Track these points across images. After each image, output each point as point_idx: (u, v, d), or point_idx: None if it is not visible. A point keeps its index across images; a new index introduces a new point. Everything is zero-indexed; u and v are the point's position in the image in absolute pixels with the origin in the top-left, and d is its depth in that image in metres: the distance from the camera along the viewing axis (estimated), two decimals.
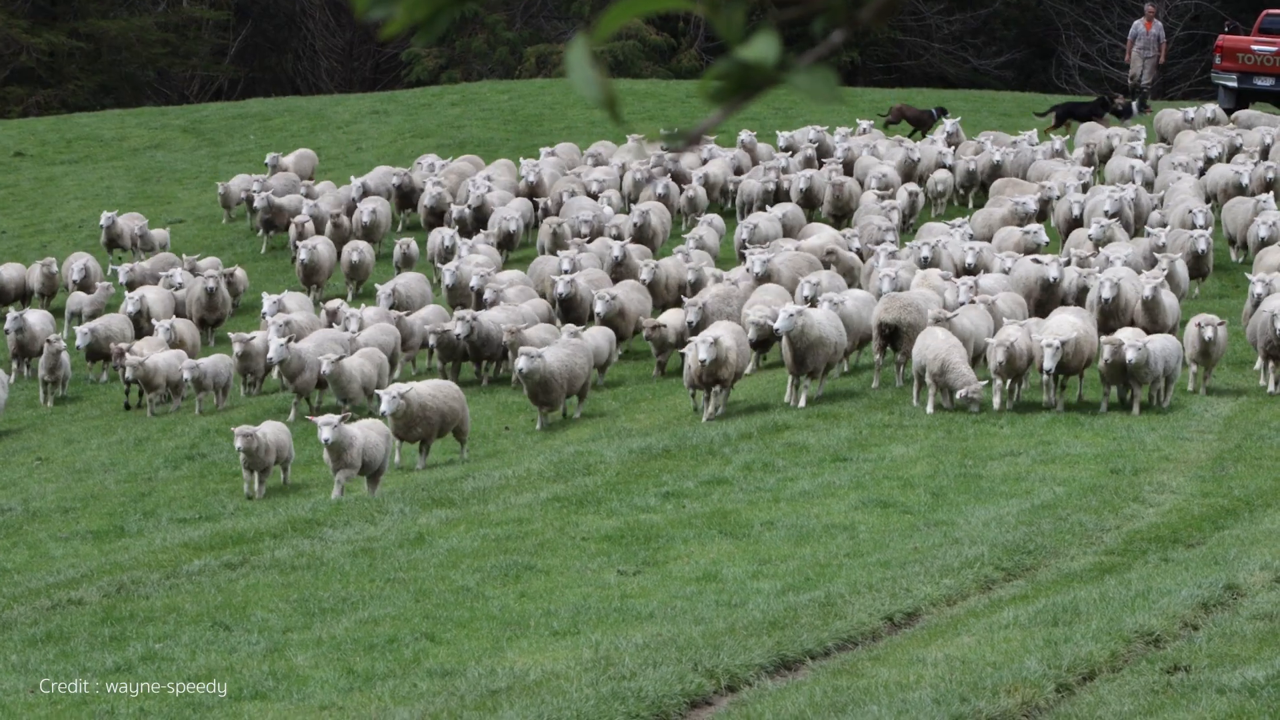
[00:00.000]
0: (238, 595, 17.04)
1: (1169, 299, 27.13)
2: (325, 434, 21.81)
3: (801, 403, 25.72)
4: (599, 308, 29.48)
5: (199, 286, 33.13)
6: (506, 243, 36.55)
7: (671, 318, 29.09)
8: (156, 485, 23.73)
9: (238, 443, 22.57)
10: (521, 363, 25.69)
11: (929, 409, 24.83)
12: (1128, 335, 24.72)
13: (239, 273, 35.77)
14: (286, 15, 78.27)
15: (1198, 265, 31.42)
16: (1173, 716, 12.22)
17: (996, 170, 39.38)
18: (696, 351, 25.27)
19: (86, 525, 22.12)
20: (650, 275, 31.03)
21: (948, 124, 43.19)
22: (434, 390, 24.07)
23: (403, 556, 18.46)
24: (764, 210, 36.76)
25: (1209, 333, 25.25)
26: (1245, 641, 13.91)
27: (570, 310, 30.20)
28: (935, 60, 71.13)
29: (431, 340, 28.55)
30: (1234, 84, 49.14)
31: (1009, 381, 24.99)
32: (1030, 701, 12.59)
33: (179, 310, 33.04)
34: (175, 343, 29.98)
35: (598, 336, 28.21)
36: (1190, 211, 33.42)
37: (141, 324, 31.88)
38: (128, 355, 28.91)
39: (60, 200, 46.92)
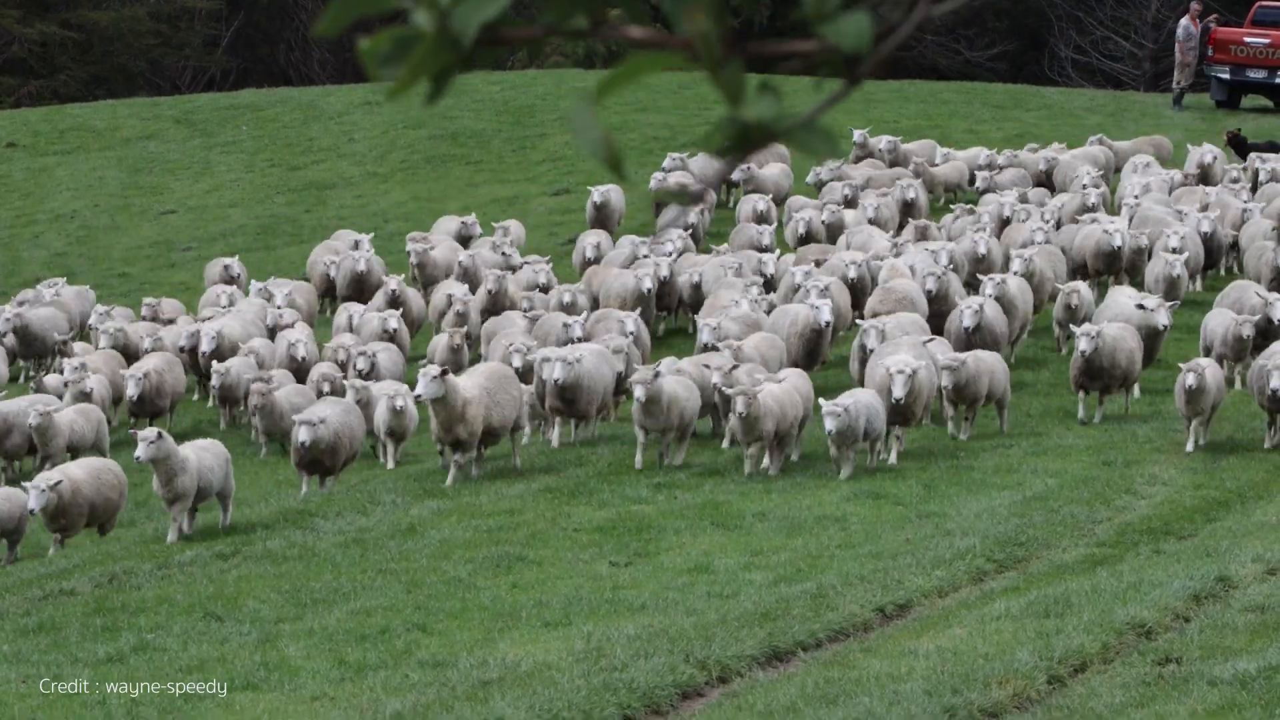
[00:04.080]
0: (229, 586, 17.03)
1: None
2: (140, 451, 19.37)
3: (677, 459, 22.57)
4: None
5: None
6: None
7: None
8: (148, 476, 23.68)
9: None
10: (302, 434, 21.55)
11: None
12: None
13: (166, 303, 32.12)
14: (279, 6, 78.20)
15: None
16: (1164, 708, 12.23)
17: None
18: (551, 370, 22.73)
19: None
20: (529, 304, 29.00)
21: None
22: (90, 476, 20.14)
23: (394, 547, 18.47)
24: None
25: (1190, 380, 22.00)
26: (1237, 633, 13.93)
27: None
28: (927, 52, 71.12)
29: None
30: (1226, 76, 49.09)
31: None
32: (1022, 693, 12.59)
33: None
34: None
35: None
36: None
37: None
38: None
39: (53, 191, 46.88)
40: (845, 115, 48.59)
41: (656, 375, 21.98)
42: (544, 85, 53.50)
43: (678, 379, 22.39)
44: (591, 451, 23.26)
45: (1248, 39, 48.77)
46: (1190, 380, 21.93)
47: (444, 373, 21.67)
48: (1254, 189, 35.90)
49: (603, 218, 35.87)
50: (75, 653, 14.85)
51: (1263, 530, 18.00)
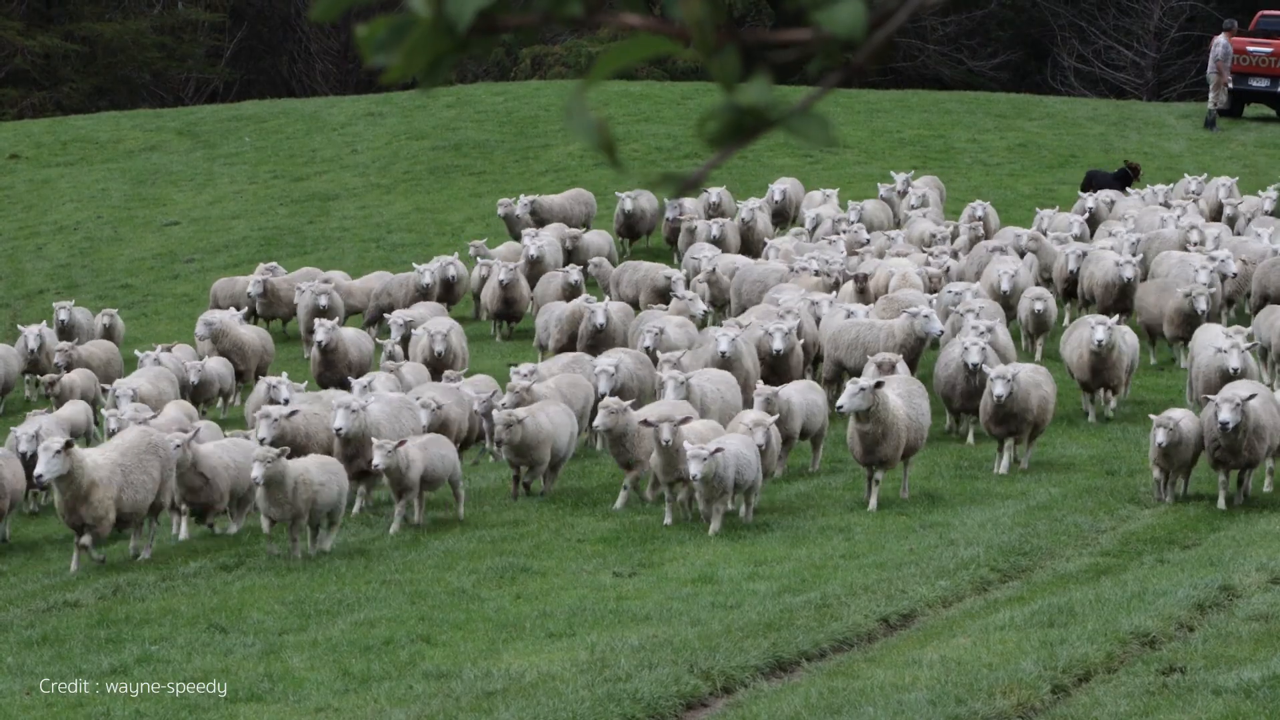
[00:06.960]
0: (233, 597, 17.03)
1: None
2: None
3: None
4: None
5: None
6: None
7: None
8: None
9: None
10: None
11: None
12: (694, 428, 20.15)
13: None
14: (281, 17, 78.32)
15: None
16: (1168, 718, 12.23)
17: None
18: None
19: None
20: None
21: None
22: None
23: (398, 558, 18.46)
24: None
25: (1160, 436, 19.75)
26: (1241, 642, 13.92)
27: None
28: (930, 61, 71.15)
29: None
30: (1229, 85, 49.07)
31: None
32: (1026, 703, 12.59)
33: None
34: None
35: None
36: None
37: None
38: None
39: (56, 203, 46.91)
40: (850, 125, 48.64)
41: (280, 454, 18.61)
42: (547, 96, 53.52)
43: (310, 460, 19.21)
44: (595, 463, 23.25)
45: (1250, 48, 48.75)
46: (1160, 437, 19.74)
47: (68, 445, 18.54)
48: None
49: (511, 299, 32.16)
50: (79, 664, 14.85)
51: (1266, 539, 18.00)
